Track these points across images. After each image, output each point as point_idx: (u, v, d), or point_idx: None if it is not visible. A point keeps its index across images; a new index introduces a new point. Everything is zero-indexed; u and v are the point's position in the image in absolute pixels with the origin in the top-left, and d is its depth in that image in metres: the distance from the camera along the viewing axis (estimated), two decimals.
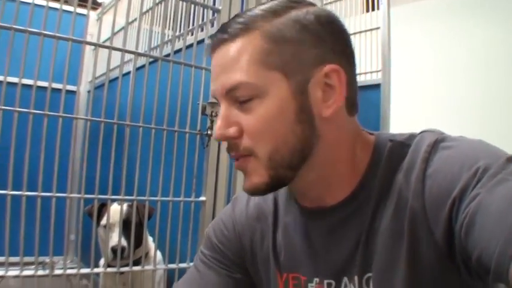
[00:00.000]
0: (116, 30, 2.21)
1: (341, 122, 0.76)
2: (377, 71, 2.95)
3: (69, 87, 1.65)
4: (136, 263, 1.85)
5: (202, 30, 2.10)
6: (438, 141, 0.72)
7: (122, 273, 1.81)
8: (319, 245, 0.82)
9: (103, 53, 1.69)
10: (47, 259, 1.64)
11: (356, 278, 0.76)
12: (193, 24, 2.18)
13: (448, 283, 0.69)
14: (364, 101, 2.95)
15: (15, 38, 1.52)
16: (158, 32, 2.20)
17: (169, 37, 2.31)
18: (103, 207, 1.96)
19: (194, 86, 1.82)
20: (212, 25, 2.01)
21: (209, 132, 1.80)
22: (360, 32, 3.07)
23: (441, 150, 0.70)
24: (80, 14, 1.82)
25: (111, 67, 2.38)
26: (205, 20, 1.98)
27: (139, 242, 1.97)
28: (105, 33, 2.39)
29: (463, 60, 3.16)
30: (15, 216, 1.53)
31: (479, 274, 0.61)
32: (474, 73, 3.19)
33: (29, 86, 1.54)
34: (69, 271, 1.67)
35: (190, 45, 1.87)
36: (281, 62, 0.71)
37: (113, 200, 1.81)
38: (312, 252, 0.83)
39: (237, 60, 0.72)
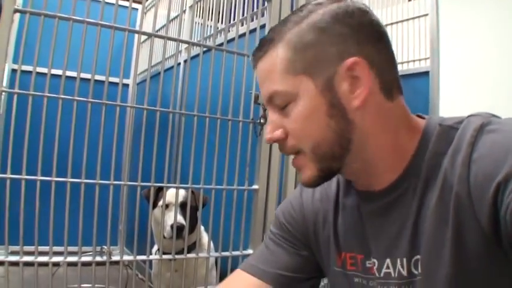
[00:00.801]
0: (159, 25, 2.24)
1: (376, 109, 0.78)
2: (425, 59, 2.91)
3: (125, 81, 1.66)
4: (189, 250, 1.87)
5: (253, 19, 2.10)
6: (484, 125, 0.71)
7: (176, 259, 1.84)
8: (370, 226, 0.86)
9: (153, 44, 1.70)
10: (103, 247, 1.67)
11: (405, 260, 0.79)
12: (244, 14, 2.18)
13: (495, 268, 0.69)
14: (413, 88, 2.91)
15: (73, 29, 1.56)
16: (210, 25, 2.21)
17: (222, 27, 2.31)
18: (159, 191, 2.00)
19: (247, 75, 1.83)
20: (263, 15, 2.01)
21: (262, 120, 1.80)
22: (408, 19, 3.03)
23: (487, 134, 0.70)
24: (133, 8, 1.82)
25: (157, 61, 2.42)
26: (256, 9, 1.98)
27: (193, 227, 2.00)
28: (157, 25, 2.42)
29: None
30: (74, 203, 1.56)
31: None
32: None
33: (87, 80, 1.57)
34: (126, 257, 1.71)
35: (243, 35, 1.88)
36: (305, 66, 0.78)
37: (168, 188, 1.84)
38: (364, 233, 0.87)
39: (269, 72, 0.81)
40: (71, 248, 1.59)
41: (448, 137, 0.76)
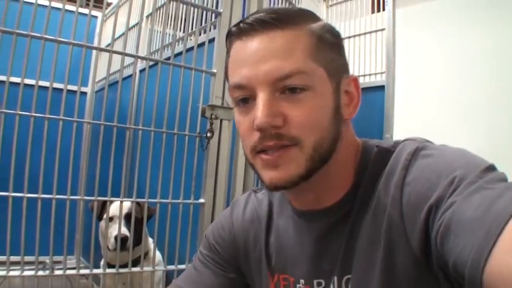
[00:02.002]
0: (119, 33, 2.23)
1: (349, 126, 0.82)
2: (381, 73, 2.95)
3: (71, 87, 1.66)
4: (136, 263, 1.87)
5: (201, 34, 2.10)
6: (419, 150, 0.73)
7: (120, 273, 1.83)
8: (309, 248, 0.84)
9: (107, 56, 1.71)
10: (47, 259, 1.66)
11: (336, 278, 0.79)
12: (193, 27, 2.19)
13: None
14: (369, 102, 2.95)
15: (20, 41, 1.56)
16: (159, 32, 2.21)
17: (170, 39, 2.31)
18: (105, 204, 1.99)
19: (194, 88, 1.83)
20: (214, 27, 2.02)
21: (208, 134, 1.81)
22: (366, 33, 3.08)
23: (421, 159, 0.71)
24: (93, 16, 1.83)
25: (115, 70, 2.41)
26: (205, 23, 1.99)
27: (139, 239, 1.99)
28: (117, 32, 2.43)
29: (469, 62, 3.14)
30: (17, 217, 1.56)
31: (459, 281, 0.60)
32: (481, 75, 3.16)
33: (32, 86, 1.57)
34: (68, 271, 1.69)
35: (191, 48, 1.89)
36: (325, 61, 0.75)
37: (112, 202, 1.83)
38: (301, 254, 0.86)
39: (291, 49, 0.73)
40: (27, 258, 1.60)
41: (384, 159, 0.77)
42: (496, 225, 0.52)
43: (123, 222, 1.86)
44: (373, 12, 3.12)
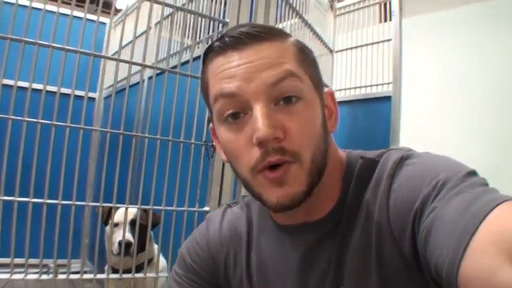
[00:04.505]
0: (127, 40, 2.25)
1: (332, 139, 0.81)
2: (388, 83, 2.95)
3: (79, 93, 1.69)
4: (139, 268, 1.88)
5: (208, 42, 2.12)
6: (403, 159, 0.73)
7: (122, 278, 1.84)
8: (295, 263, 0.82)
9: (115, 63, 1.74)
10: (51, 263, 1.68)
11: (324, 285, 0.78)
12: (201, 36, 2.21)
13: None
14: (375, 112, 2.96)
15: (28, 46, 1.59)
16: (167, 39, 2.24)
17: (178, 47, 2.34)
18: (112, 210, 2.01)
19: (200, 97, 1.84)
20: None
21: (214, 143, 1.82)
22: (373, 43, 3.08)
23: (406, 166, 0.72)
24: (101, 23, 1.86)
25: (123, 77, 2.44)
26: (212, 32, 2.01)
27: (143, 245, 2.01)
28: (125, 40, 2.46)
29: (476, 72, 3.14)
30: (22, 221, 1.59)
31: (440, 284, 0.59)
32: (488, 86, 3.16)
33: (40, 91, 1.61)
34: (72, 276, 1.71)
35: (198, 57, 1.91)
36: (310, 71, 0.75)
37: (118, 208, 1.85)
38: (287, 270, 0.83)
39: (281, 56, 0.71)
40: (32, 261, 1.63)
41: (370, 169, 0.77)
42: (470, 226, 0.53)
43: (128, 228, 1.88)
44: (380, 21, 3.12)
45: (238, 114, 0.71)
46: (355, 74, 3.17)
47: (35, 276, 1.63)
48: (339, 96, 3.18)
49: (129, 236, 1.96)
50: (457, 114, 3.10)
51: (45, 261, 1.65)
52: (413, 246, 0.66)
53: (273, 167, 0.69)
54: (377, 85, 3.03)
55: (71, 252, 1.72)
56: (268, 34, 0.72)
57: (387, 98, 2.89)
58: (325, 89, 0.80)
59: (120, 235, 1.90)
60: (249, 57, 0.70)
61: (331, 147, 0.80)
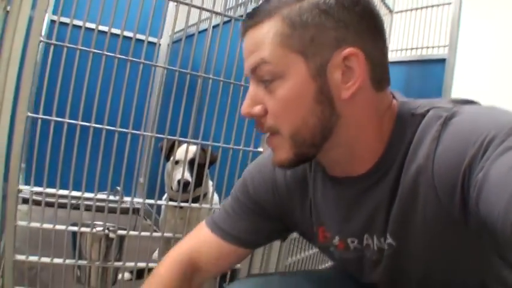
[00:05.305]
0: None
1: (364, 101, 0.79)
2: (444, 46, 2.96)
3: (152, 39, 1.80)
4: (195, 201, 2.03)
5: None
6: (448, 118, 0.74)
7: (182, 207, 2.02)
8: (343, 209, 0.89)
9: (184, 9, 1.85)
10: (117, 188, 1.85)
11: (375, 236, 0.86)
12: None
13: (462, 244, 0.76)
14: (428, 74, 2.99)
15: None
16: None
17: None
18: (174, 146, 2.15)
19: None
20: None
21: None
22: (432, 6, 3.08)
23: (450, 127, 0.73)
24: None
25: (191, 23, 2.55)
26: None
27: (200, 181, 2.17)
28: None
29: None
30: (96, 149, 1.73)
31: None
32: None
33: (117, 35, 1.72)
34: (136, 199, 1.87)
35: None
36: (300, 45, 0.75)
37: (181, 142, 2.00)
38: (338, 215, 0.91)
39: (260, 42, 0.77)
40: (87, 194, 1.76)
41: (416, 125, 0.78)
42: None
43: (187, 166, 2.04)
44: None
45: None
46: (412, 36, 3.18)
47: (103, 197, 1.79)
48: (395, 56, 3.21)
49: (187, 176, 2.11)
50: (510, 84, 3.08)
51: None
52: (461, 205, 0.68)
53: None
54: (433, 47, 3.04)
55: (136, 180, 1.89)
56: (256, 18, 0.78)
57: (442, 61, 2.91)
58: (346, 50, 0.75)
59: (180, 173, 2.04)
60: (245, 44, 0.82)
61: (356, 113, 0.79)
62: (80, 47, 1.66)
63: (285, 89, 0.76)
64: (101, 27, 1.66)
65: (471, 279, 0.83)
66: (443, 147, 0.72)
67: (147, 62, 1.78)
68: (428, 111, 0.78)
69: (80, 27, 1.65)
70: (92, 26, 1.65)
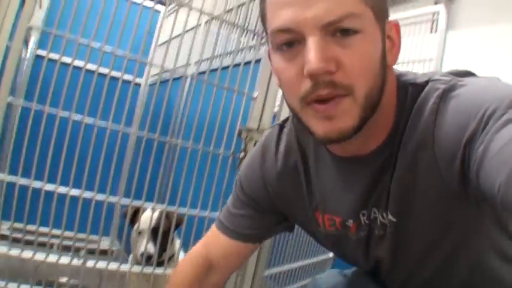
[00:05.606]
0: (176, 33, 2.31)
1: (392, 72, 0.81)
2: None
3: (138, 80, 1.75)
4: (161, 263, 1.99)
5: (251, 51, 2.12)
6: (446, 91, 0.73)
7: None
8: (348, 192, 0.87)
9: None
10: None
11: (381, 210, 0.84)
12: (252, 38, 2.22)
13: (461, 214, 0.77)
14: None
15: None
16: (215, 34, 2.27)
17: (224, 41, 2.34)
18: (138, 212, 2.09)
19: (234, 108, 1.92)
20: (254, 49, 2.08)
21: (241, 155, 1.87)
22: (414, 61, 3.06)
23: (449, 101, 0.72)
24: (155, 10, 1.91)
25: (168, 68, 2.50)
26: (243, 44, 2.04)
27: (165, 247, 2.11)
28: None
29: None
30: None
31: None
32: None
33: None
34: (99, 264, 1.82)
35: (238, 64, 1.95)
36: (373, 3, 0.72)
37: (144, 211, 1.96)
38: (343, 198, 0.89)
39: None
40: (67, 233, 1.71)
41: (415, 98, 0.77)
42: None
43: (151, 235, 2.01)
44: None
45: (293, 43, 0.71)
46: None
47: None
48: None
49: (150, 248, 2.04)
50: None
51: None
52: (462, 178, 0.69)
53: (323, 100, 0.70)
54: None
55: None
56: None
57: None
58: (392, 21, 0.78)
59: (143, 245, 2.02)
60: None
61: (390, 81, 0.79)
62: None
63: (366, 44, 0.71)
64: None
65: (472, 254, 0.83)
66: (444, 121, 0.71)
67: (114, 127, 1.74)
68: (427, 82, 0.77)
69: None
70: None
